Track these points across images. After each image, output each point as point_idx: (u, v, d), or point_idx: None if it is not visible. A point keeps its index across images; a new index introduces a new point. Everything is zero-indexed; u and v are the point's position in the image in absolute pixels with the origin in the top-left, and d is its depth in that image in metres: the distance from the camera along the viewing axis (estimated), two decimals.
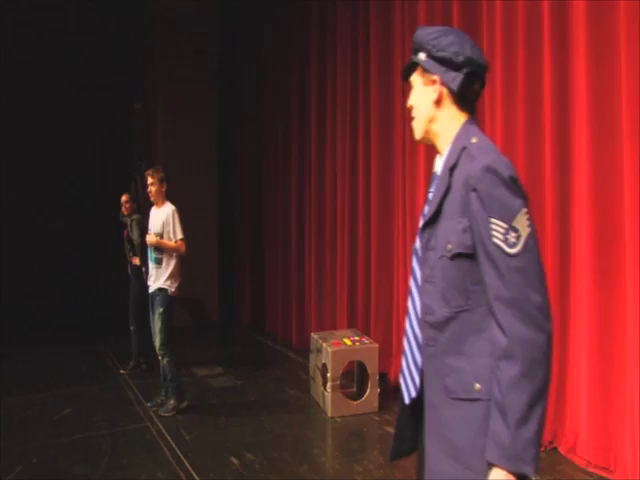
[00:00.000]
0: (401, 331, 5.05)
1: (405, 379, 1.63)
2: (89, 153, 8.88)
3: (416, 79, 1.58)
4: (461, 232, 1.43)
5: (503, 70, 3.90)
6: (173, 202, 4.68)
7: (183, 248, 4.58)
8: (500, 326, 1.37)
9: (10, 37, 8.14)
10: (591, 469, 3.40)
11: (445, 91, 1.53)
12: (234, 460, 3.73)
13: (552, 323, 1.37)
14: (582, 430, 3.49)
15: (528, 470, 1.32)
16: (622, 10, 3.21)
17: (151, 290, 4.61)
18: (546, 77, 3.67)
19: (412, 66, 1.58)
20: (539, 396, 1.34)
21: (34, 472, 3.66)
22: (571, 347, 3.62)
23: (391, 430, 4.17)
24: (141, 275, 5.56)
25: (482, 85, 1.57)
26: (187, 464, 3.70)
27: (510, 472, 1.32)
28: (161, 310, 4.50)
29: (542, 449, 3.65)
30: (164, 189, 4.64)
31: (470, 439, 1.42)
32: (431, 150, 5.17)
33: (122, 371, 5.78)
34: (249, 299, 8.16)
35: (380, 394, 4.52)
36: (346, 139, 5.85)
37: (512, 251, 1.36)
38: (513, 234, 1.36)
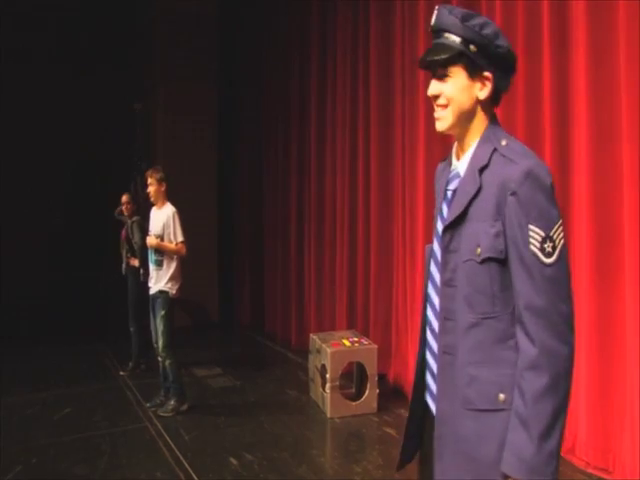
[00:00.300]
0: (400, 332, 5.06)
1: (431, 391, 1.55)
2: (89, 153, 8.87)
3: (458, 71, 1.45)
4: (494, 236, 1.38)
5: None
6: (173, 203, 4.65)
7: (184, 251, 4.55)
8: (528, 335, 1.34)
9: (9, 36, 8.14)
10: (590, 470, 3.40)
11: (491, 89, 1.46)
12: (233, 460, 3.74)
13: (575, 333, 1.36)
14: (581, 431, 3.50)
15: None
16: (621, 11, 3.21)
17: (152, 292, 4.59)
18: (546, 78, 3.67)
19: (457, 56, 1.44)
20: (562, 409, 1.32)
21: (34, 472, 3.67)
22: None
23: (390, 431, 4.18)
24: (138, 276, 5.53)
25: None
26: (186, 464, 3.70)
27: None
28: (163, 313, 4.48)
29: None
30: (163, 189, 4.61)
31: (493, 452, 1.36)
32: (431, 150, 5.19)
33: (122, 372, 5.76)
34: (249, 299, 8.17)
35: (379, 395, 4.52)
36: (346, 139, 5.85)
37: (548, 261, 1.34)
38: (550, 244, 1.34)
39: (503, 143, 1.43)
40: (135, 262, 5.66)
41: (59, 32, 8.47)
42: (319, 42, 6.30)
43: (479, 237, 1.40)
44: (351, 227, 5.79)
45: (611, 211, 3.34)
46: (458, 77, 1.45)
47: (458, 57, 1.44)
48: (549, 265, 1.33)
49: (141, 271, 5.60)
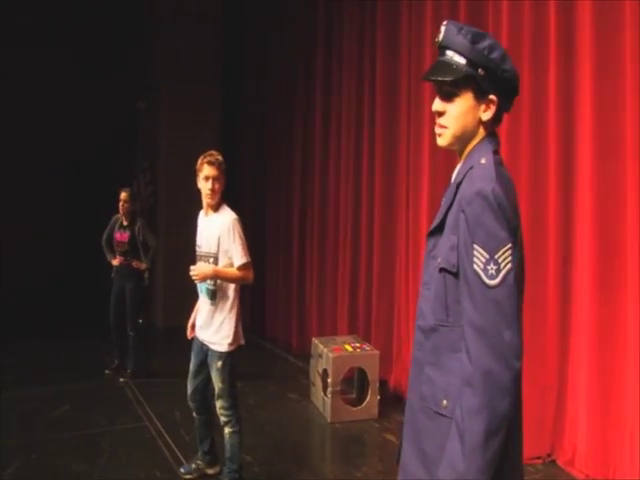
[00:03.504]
0: (402, 338, 5.06)
1: None
2: (92, 151, 8.87)
3: (464, 92, 1.48)
4: (449, 249, 1.44)
5: None
6: (231, 207, 3.35)
7: (251, 276, 3.23)
8: (468, 352, 1.36)
9: (12, 35, 8.17)
10: None
11: (494, 111, 1.50)
12: None
13: (521, 362, 1.35)
14: (581, 443, 3.50)
15: None
16: (628, 23, 3.23)
17: (201, 336, 3.34)
18: (551, 90, 3.70)
19: (465, 78, 1.47)
20: (497, 431, 1.32)
21: (32, 467, 3.67)
22: (571, 360, 3.63)
23: (390, 437, 4.18)
24: (142, 279, 5.39)
25: None
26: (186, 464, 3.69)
27: None
28: (219, 365, 3.22)
29: (540, 461, 3.66)
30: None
31: (436, 449, 1.43)
32: (435, 155, 5.21)
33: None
34: (249, 302, 8.15)
35: (380, 401, 4.52)
36: (350, 141, 5.85)
37: (490, 282, 1.34)
38: (494, 266, 1.34)
39: (482, 162, 1.46)
40: (141, 265, 5.45)
41: (62, 31, 8.48)
42: (325, 41, 6.31)
43: (442, 247, 1.47)
44: (354, 231, 5.80)
45: (614, 225, 3.37)
46: (464, 99, 1.49)
47: (465, 80, 1.47)
48: (491, 287, 1.34)
49: (146, 274, 5.49)
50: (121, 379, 5.48)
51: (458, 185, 1.47)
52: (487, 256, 1.34)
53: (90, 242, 6.00)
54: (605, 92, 3.38)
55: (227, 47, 8.40)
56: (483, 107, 1.49)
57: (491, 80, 1.47)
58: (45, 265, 8.72)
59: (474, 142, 1.52)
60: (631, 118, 3.22)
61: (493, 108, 1.49)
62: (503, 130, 3.97)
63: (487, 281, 1.34)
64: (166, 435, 4.17)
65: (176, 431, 4.23)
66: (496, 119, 1.53)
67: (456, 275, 1.42)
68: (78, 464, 3.70)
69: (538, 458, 3.66)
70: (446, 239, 1.46)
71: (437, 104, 1.52)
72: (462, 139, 1.52)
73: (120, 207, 5.46)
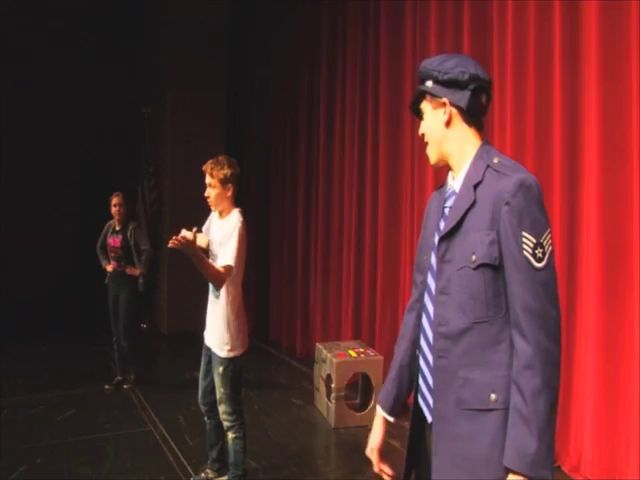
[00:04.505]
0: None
1: (425, 398, 1.63)
2: (96, 156, 8.90)
3: (426, 106, 1.64)
4: (488, 244, 1.48)
5: (514, 87, 3.93)
6: (241, 211, 3.32)
7: (224, 280, 3.09)
8: (524, 336, 1.42)
9: (19, 39, 8.22)
10: None
11: (454, 111, 1.59)
12: None
13: (561, 337, 1.46)
14: (586, 449, 3.48)
15: (547, 475, 1.38)
16: (634, 29, 3.23)
17: (206, 340, 3.36)
18: (556, 93, 3.69)
19: (420, 95, 1.65)
20: (555, 403, 1.42)
21: (38, 472, 3.67)
22: (577, 365, 3.62)
23: (394, 443, 4.15)
24: (136, 285, 5.27)
25: (488, 99, 1.64)
26: (190, 470, 3.70)
27: (529, 478, 1.37)
28: (220, 370, 3.21)
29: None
30: (229, 194, 3.22)
31: (485, 451, 1.45)
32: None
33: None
34: (253, 306, 8.16)
35: None
36: (354, 149, 5.86)
37: (539, 265, 1.43)
38: (540, 250, 1.44)
39: (495, 160, 1.54)
40: (135, 271, 5.27)
41: (69, 36, 8.52)
42: (329, 45, 6.33)
43: (474, 246, 1.50)
44: (358, 237, 5.81)
45: (621, 229, 3.35)
46: (426, 112, 1.64)
47: (421, 96, 1.65)
48: (540, 269, 1.43)
49: (140, 280, 5.33)
50: (125, 386, 5.38)
51: (476, 186, 1.53)
52: (534, 241, 1.43)
53: (93, 247, 5.99)
54: (611, 94, 3.37)
55: (231, 51, 8.44)
56: (441, 111, 1.60)
57: (439, 85, 1.60)
58: (50, 269, 8.72)
59: (456, 147, 1.60)
60: (637, 120, 3.22)
61: (449, 109, 1.59)
62: (508, 131, 3.98)
63: (535, 264, 1.43)
64: (170, 440, 4.17)
65: (180, 436, 4.24)
66: (470, 116, 1.59)
67: (496, 268, 1.47)
68: (83, 469, 3.71)
69: None
70: (478, 237, 1.49)
71: (420, 128, 1.69)
72: (441, 149, 1.63)
73: (113, 211, 5.30)
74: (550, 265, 1.45)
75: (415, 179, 5.00)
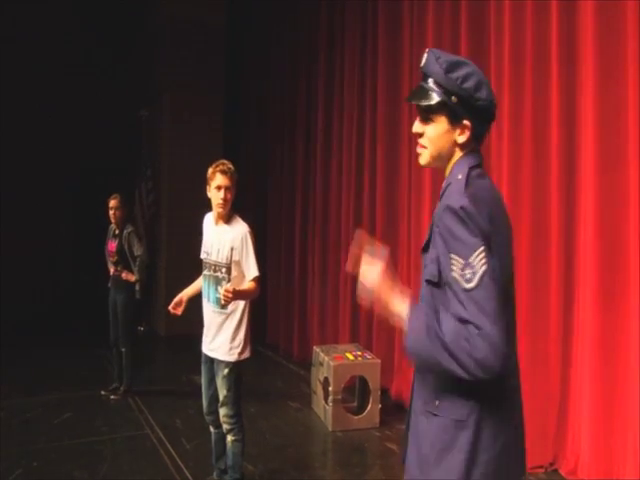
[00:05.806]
0: (403, 347, 5.05)
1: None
2: (94, 160, 8.90)
3: (439, 117, 1.58)
4: (430, 261, 1.55)
5: (511, 88, 3.93)
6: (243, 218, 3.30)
7: (259, 289, 3.20)
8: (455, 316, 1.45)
9: (15, 43, 8.22)
10: None
11: (469, 134, 1.59)
12: None
13: (501, 362, 1.39)
14: (584, 452, 3.49)
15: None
16: (630, 29, 3.25)
17: (209, 347, 3.30)
18: (554, 95, 3.70)
19: (442, 105, 1.57)
20: (423, 360, 1.53)
21: (34, 475, 3.67)
22: (573, 368, 3.63)
23: (391, 446, 4.18)
24: (133, 291, 5.20)
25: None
26: (187, 473, 3.70)
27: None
28: (226, 372, 3.21)
29: (543, 470, 3.65)
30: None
31: (427, 451, 1.54)
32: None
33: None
34: (250, 309, 8.15)
35: (381, 410, 4.52)
36: (352, 150, 5.87)
37: (468, 286, 1.43)
38: (469, 270, 1.43)
39: (459, 177, 1.55)
40: (131, 277, 5.12)
41: (65, 39, 8.53)
42: (327, 48, 6.34)
43: (426, 261, 1.58)
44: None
45: (617, 233, 3.36)
46: (439, 123, 1.59)
47: (440, 106, 1.57)
48: (469, 290, 1.43)
49: (137, 287, 5.24)
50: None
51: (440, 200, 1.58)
52: (462, 262, 1.44)
53: (91, 250, 5.97)
54: (607, 99, 3.38)
55: (229, 54, 8.44)
56: (458, 131, 1.58)
57: (464, 107, 1.56)
58: (48, 271, 8.72)
59: (453, 160, 1.62)
60: (633, 125, 3.23)
61: (467, 133, 1.58)
62: (505, 131, 3.98)
63: (465, 285, 1.43)
64: (167, 443, 4.16)
65: (177, 439, 4.23)
66: (477, 139, 1.61)
67: (437, 285, 1.52)
68: (79, 472, 3.70)
69: (540, 467, 3.65)
70: (430, 253, 1.56)
71: (416, 126, 1.64)
72: (440, 159, 1.63)
73: (110, 215, 5.18)
74: (483, 284, 1.42)
75: (412, 180, 5.00)
